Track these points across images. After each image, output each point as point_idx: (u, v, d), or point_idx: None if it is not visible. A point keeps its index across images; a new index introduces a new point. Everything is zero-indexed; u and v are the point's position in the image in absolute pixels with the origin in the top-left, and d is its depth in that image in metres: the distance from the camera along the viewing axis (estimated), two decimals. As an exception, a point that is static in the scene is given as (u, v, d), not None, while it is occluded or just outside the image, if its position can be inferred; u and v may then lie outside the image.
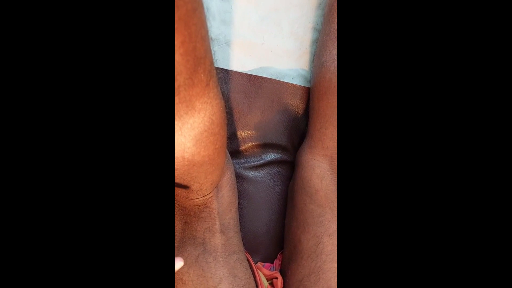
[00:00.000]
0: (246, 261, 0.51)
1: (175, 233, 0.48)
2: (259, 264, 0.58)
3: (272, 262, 0.60)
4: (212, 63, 0.33)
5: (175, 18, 0.25)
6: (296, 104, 0.60)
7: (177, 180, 0.42)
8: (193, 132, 0.34)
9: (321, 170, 0.53)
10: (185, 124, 0.33)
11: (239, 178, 0.59)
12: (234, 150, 0.60)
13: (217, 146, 0.39)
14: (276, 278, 0.53)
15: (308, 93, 0.60)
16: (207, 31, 0.31)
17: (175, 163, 0.37)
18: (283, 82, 0.59)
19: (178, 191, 0.46)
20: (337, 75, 0.50)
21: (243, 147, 0.61)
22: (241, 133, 0.60)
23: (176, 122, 0.33)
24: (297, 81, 0.60)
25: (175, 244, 0.48)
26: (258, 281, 0.51)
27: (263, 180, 0.61)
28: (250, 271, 0.51)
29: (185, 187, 0.45)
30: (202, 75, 0.31)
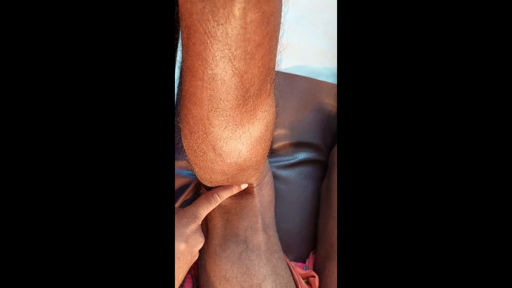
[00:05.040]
0: (285, 260, 0.51)
1: (216, 231, 0.48)
2: (292, 263, 0.58)
3: (304, 262, 0.60)
4: (274, 73, 0.34)
5: (263, 33, 0.25)
6: (330, 102, 0.60)
7: (222, 183, 0.43)
8: (250, 140, 0.35)
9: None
10: (245, 133, 0.33)
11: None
12: (268, 149, 0.60)
13: (265, 152, 0.39)
14: (313, 276, 0.53)
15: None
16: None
17: (227, 169, 0.38)
18: (318, 80, 0.59)
19: None
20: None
21: (276, 145, 0.61)
22: (274, 132, 0.60)
23: (237, 131, 0.33)
24: (332, 80, 0.60)
25: (217, 241, 0.47)
26: (297, 280, 0.51)
27: (296, 179, 0.61)
28: (289, 270, 0.51)
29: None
30: (269, 84, 0.31)
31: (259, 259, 0.46)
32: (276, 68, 0.32)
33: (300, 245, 0.60)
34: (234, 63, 0.26)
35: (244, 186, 0.46)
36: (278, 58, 0.31)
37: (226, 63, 0.25)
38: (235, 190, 0.46)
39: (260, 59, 0.27)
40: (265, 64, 0.28)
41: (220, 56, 0.25)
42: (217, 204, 0.46)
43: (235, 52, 0.25)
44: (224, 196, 0.46)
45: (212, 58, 0.25)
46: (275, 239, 0.50)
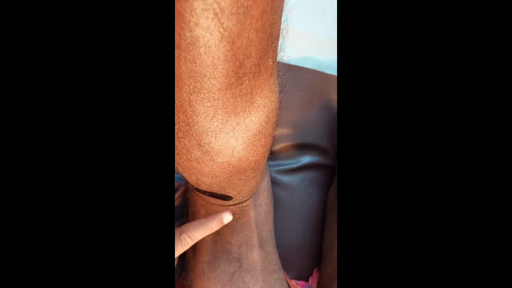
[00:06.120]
0: (285, 281, 0.44)
1: (205, 245, 0.41)
2: (293, 281, 0.51)
3: (307, 280, 0.53)
4: (277, 46, 0.26)
5: None
6: (339, 99, 0.54)
7: (213, 189, 0.35)
8: (246, 134, 0.27)
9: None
10: (240, 124, 0.26)
11: (272, 183, 0.52)
12: (267, 151, 0.54)
13: (265, 150, 0.32)
14: (318, 300, 0.46)
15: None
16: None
17: (218, 171, 0.30)
18: (326, 74, 0.53)
19: (208, 197, 0.39)
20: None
21: (277, 147, 0.54)
22: (276, 131, 0.53)
23: (229, 121, 0.25)
24: (342, 74, 0.54)
25: (206, 258, 0.40)
26: (299, 305, 0.44)
27: (299, 186, 0.54)
28: (289, 292, 0.43)
29: (220, 195, 0.38)
30: (270, 60, 0.24)
31: (255, 280, 0.39)
32: (281, 40, 0.25)
33: (303, 261, 0.54)
34: (222, 20, 0.18)
35: (227, 219, 0.37)
36: (283, 25, 0.24)
37: (210, 19, 0.18)
38: (214, 227, 0.36)
39: (259, 16, 0.19)
40: (265, 27, 0.20)
41: (202, 9, 0.18)
42: (187, 248, 0.36)
43: (222, 3, 0.18)
44: (197, 237, 0.36)
45: (190, 13, 0.18)
46: (273, 256, 0.43)
